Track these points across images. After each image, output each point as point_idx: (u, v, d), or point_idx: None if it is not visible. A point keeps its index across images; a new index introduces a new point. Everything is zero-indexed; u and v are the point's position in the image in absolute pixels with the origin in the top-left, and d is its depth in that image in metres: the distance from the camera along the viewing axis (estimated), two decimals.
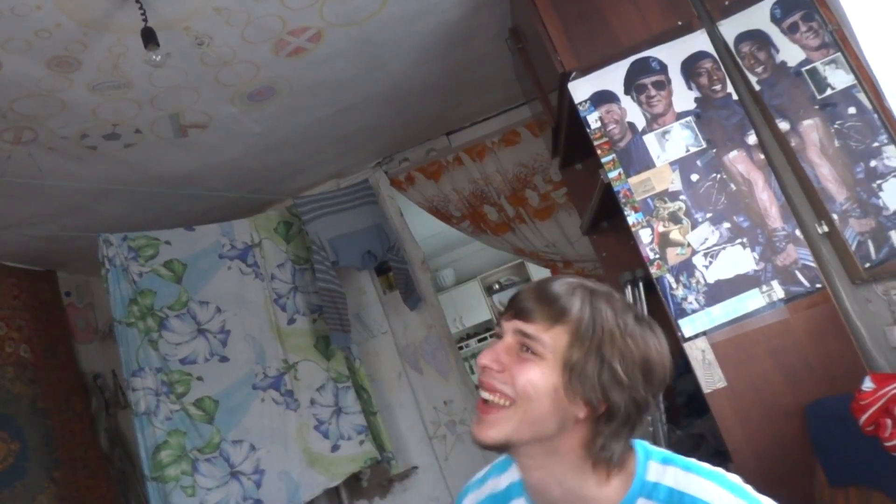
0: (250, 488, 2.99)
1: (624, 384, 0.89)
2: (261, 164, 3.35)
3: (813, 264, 1.95)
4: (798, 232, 1.97)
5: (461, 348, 6.94)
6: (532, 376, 0.90)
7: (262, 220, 3.56)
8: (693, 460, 0.93)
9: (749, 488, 0.88)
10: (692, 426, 2.40)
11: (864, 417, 1.56)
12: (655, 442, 2.59)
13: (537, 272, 6.91)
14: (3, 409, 3.02)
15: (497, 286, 7.35)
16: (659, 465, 0.93)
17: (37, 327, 3.41)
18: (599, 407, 0.90)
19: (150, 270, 3.04)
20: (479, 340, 7.12)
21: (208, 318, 3.14)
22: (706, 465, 0.92)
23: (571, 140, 2.63)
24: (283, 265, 3.49)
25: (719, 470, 0.91)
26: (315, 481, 3.17)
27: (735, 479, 0.90)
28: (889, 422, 1.49)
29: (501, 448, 0.95)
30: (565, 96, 2.20)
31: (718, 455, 2.14)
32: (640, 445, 0.97)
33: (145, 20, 1.87)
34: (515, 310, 0.96)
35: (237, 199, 3.63)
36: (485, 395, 0.94)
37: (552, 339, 0.91)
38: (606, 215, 2.89)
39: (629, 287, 2.73)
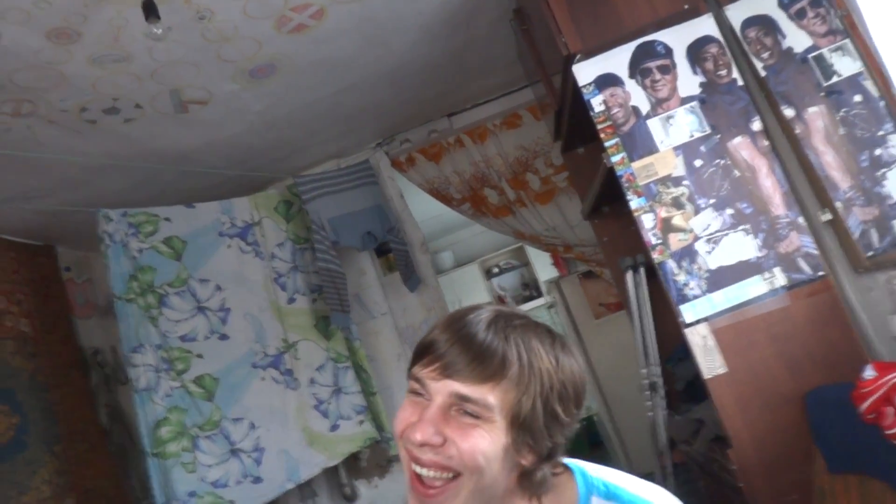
0: (250, 466, 3.00)
1: (564, 422, 0.85)
2: (261, 142, 3.33)
3: (815, 252, 1.94)
4: (801, 219, 1.96)
5: None
6: (481, 445, 0.81)
7: (263, 198, 3.54)
8: (642, 492, 0.88)
9: None
10: (691, 411, 2.41)
11: (864, 405, 1.56)
12: (655, 427, 2.61)
13: (536, 256, 6.90)
14: (3, 384, 3.02)
15: (496, 270, 7.35)
16: (602, 501, 0.89)
17: (36, 302, 3.41)
18: (544, 450, 0.86)
19: (149, 247, 3.03)
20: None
21: (208, 295, 3.14)
22: (656, 498, 0.87)
23: (574, 123, 2.62)
24: (283, 244, 3.48)
25: (664, 499, 0.87)
26: (314, 460, 3.19)
27: None
28: (890, 410, 1.49)
29: None
30: (569, 79, 2.18)
31: (717, 441, 2.15)
32: (580, 474, 0.92)
33: None
34: (443, 367, 0.84)
35: (237, 177, 3.61)
36: (423, 471, 0.84)
37: (498, 398, 0.82)
38: (608, 200, 2.88)
39: (630, 272, 2.73)
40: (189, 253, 3.14)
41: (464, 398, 0.82)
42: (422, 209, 4.45)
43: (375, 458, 3.76)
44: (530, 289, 7.26)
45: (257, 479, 3.02)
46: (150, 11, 1.80)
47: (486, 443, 0.81)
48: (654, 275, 2.09)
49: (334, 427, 3.32)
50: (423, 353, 0.87)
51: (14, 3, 1.83)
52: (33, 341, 3.30)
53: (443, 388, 0.83)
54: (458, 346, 0.83)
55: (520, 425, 0.82)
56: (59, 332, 3.52)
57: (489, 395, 0.81)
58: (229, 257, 3.25)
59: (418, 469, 0.84)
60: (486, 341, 0.83)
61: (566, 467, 0.93)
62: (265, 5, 2.22)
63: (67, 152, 2.75)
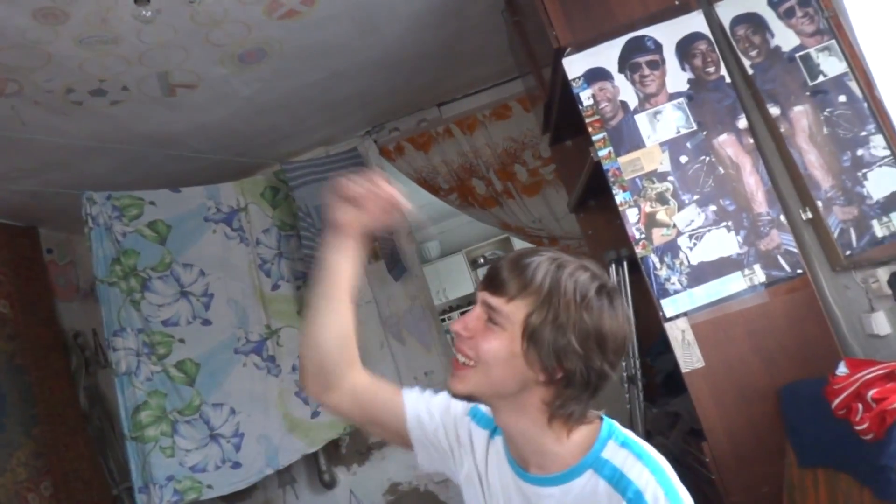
0: (229, 451, 3.01)
1: (578, 354, 0.96)
2: (249, 127, 3.31)
3: (795, 250, 1.97)
4: (782, 217, 1.99)
5: (444, 320, 6.96)
6: (492, 346, 0.98)
7: (249, 184, 3.53)
8: (649, 450, 1.00)
9: (679, 488, 0.94)
10: (669, 404, 2.44)
11: (836, 401, 1.60)
12: (632, 419, 2.64)
13: (522, 247, 6.92)
14: None
15: (482, 260, 7.37)
16: (615, 446, 1.00)
17: (17, 283, 3.38)
18: (556, 373, 0.97)
19: (133, 230, 3.01)
20: (462, 313, 7.15)
21: (192, 280, 3.13)
22: (657, 457, 0.98)
23: (563, 116, 2.63)
24: (269, 231, 3.47)
25: (665, 465, 0.97)
26: (294, 446, 3.19)
27: (672, 474, 0.96)
28: (860, 406, 1.52)
29: (468, 399, 1.06)
30: (559, 72, 2.19)
31: (693, 433, 2.18)
32: (608, 424, 1.05)
33: None
34: (487, 281, 1.02)
35: (223, 162, 3.59)
36: (458, 355, 1.03)
37: (512, 310, 0.97)
38: (594, 194, 2.90)
39: (613, 266, 2.75)
40: (174, 237, 3.12)
41: (489, 307, 0.99)
42: (409, 198, 4.44)
43: (355, 445, 3.78)
44: None
45: (236, 465, 3.03)
46: None
47: (496, 344, 0.98)
48: (637, 269, 2.11)
49: (315, 414, 3.33)
50: (485, 275, 1.04)
51: None
52: (13, 323, 3.28)
53: (480, 297, 1.02)
54: (504, 267, 1.01)
55: (528, 338, 0.96)
56: (40, 314, 3.50)
57: (505, 307, 0.97)
58: (214, 242, 3.24)
59: (456, 352, 1.04)
60: (521, 267, 0.99)
61: (601, 418, 1.05)
62: None
63: (52, 133, 2.72)
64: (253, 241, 3.38)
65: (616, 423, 1.06)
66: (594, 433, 1.02)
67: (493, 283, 1.00)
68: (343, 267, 1.19)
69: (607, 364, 0.98)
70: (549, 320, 0.96)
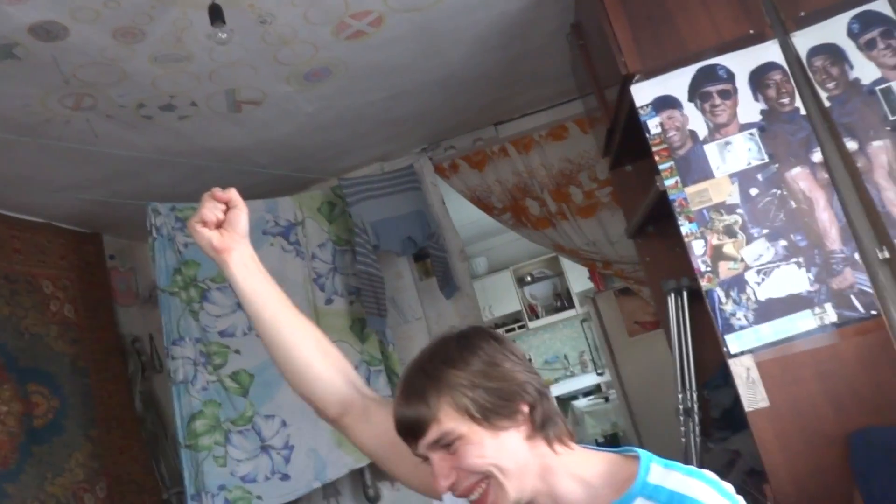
0: (279, 463, 3.03)
1: (506, 374, 0.98)
2: (309, 142, 3.36)
3: (870, 290, 1.90)
4: (857, 256, 1.92)
5: None
6: (473, 452, 0.96)
7: (307, 198, 3.57)
8: (694, 467, 0.97)
9: (739, 499, 0.94)
10: (727, 441, 2.37)
11: None
12: (687, 452, 2.57)
13: (570, 267, 6.87)
14: (46, 367, 3.09)
15: (529, 278, 7.33)
16: (662, 469, 0.97)
17: (81, 288, 3.48)
18: (519, 411, 0.98)
19: (194, 241, 3.06)
20: (508, 331, 7.12)
21: None
22: (707, 472, 0.96)
23: (625, 142, 2.59)
24: (325, 245, 3.50)
25: (717, 478, 0.95)
26: (342, 461, 3.20)
27: (728, 486, 0.94)
28: None
29: None
30: (625, 98, 2.16)
31: (753, 474, 2.12)
32: (645, 452, 1.01)
33: None
34: (410, 433, 1.00)
35: (283, 176, 3.65)
36: (471, 497, 0.98)
37: (448, 421, 0.96)
38: (653, 220, 2.85)
39: (672, 295, 2.69)
40: None
41: (435, 442, 0.97)
42: (459, 214, 4.45)
43: None
44: (562, 300, 7.22)
45: (285, 477, 3.05)
46: (216, 16, 1.82)
47: (474, 450, 0.96)
48: (696, 299, 2.07)
49: None
50: (405, 436, 1.01)
51: (85, 3, 1.87)
52: (76, 327, 3.37)
53: (423, 450, 0.99)
54: (406, 413, 0.99)
55: (474, 415, 0.96)
56: (101, 318, 3.59)
57: (442, 427, 0.96)
58: (271, 256, 3.28)
59: (469, 499, 0.98)
60: (412, 394, 0.99)
61: (631, 452, 1.02)
62: (326, 12, 2.24)
63: (122, 146, 2.81)
64: (308, 255, 3.42)
65: (649, 451, 1.03)
66: (629, 464, 0.99)
67: (415, 430, 0.98)
68: (250, 290, 1.19)
69: (526, 370, 1.01)
70: (464, 395, 0.96)
